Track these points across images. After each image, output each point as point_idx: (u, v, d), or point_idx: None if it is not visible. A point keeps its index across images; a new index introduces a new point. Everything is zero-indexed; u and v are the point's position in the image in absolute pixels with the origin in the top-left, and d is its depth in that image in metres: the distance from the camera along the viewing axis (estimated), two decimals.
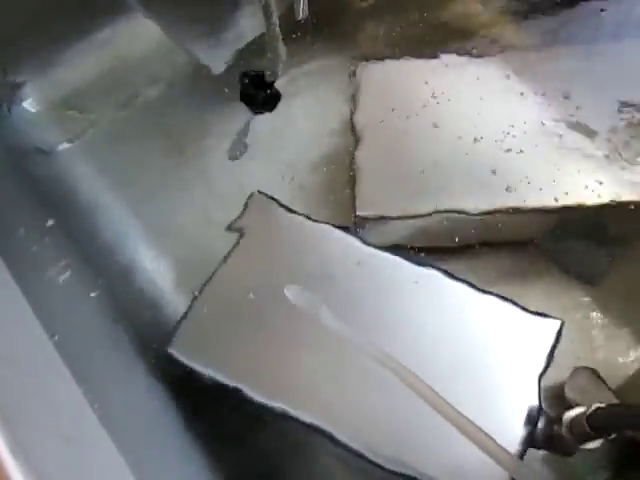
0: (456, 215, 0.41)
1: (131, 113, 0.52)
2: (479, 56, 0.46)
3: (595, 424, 0.32)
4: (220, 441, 0.39)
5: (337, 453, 0.35)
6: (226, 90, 0.51)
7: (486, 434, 0.31)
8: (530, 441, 0.34)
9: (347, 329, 0.34)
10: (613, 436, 0.33)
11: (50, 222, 0.40)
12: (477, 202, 0.41)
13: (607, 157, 0.41)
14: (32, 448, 0.18)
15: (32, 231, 0.38)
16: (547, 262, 0.44)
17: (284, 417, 0.35)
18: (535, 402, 0.35)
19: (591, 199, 0.40)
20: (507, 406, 0.35)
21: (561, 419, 0.35)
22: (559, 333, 0.36)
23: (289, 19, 0.47)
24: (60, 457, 0.19)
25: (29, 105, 0.52)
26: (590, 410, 0.33)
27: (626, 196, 0.40)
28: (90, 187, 0.49)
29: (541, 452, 0.36)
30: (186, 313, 0.38)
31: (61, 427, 0.20)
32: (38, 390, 0.21)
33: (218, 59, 0.50)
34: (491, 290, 0.38)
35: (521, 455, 0.33)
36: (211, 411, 0.38)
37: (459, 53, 0.47)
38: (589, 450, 0.35)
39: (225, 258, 0.40)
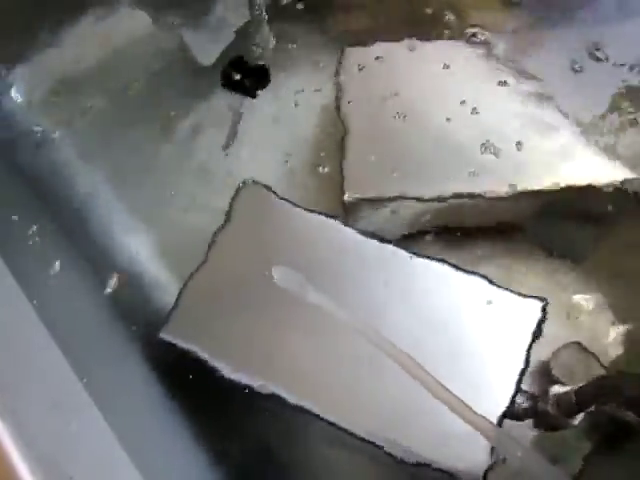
0: (441, 199, 0.41)
1: (120, 101, 0.52)
2: (465, 40, 0.47)
3: (583, 398, 0.33)
4: (214, 424, 0.39)
5: (332, 434, 0.36)
6: (215, 77, 0.51)
7: (469, 407, 0.32)
8: (513, 415, 0.35)
9: (333, 306, 0.35)
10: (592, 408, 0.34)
11: (40, 209, 0.41)
12: (462, 186, 0.41)
13: (589, 140, 0.42)
14: (19, 412, 0.19)
15: (23, 217, 0.38)
16: (531, 244, 0.45)
17: (273, 397, 0.35)
18: (519, 380, 0.35)
19: (574, 181, 0.41)
20: (493, 384, 0.35)
21: (546, 395, 0.36)
22: (543, 312, 0.37)
23: (275, 5, 0.47)
24: (46, 421, 0.20)
25: (18, 93, 0.52)
26: (578, 386, 0.33)
27: (608, 177, 0.41)
28: (79, 174, 0.49)
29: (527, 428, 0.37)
30: (178, 298, 0.38)
31: (47, 394, 0.21)
32: (24, 360, 0.22)
33: (207, 51, 0.50)
34: (477, 271, 0.38)
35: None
36: (204, 394, 0.39)
37: (445, 37, 0.48)
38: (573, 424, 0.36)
39: (212, 243, 0.40)
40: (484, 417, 0.32)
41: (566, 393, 0.35)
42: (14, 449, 0.18)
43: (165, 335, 0.37)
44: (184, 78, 0.53)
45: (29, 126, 0.51)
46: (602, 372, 0.39)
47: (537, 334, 0.36)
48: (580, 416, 0.35)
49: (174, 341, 0.37)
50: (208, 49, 0.50)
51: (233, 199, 0.41)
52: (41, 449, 0.19)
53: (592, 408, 0.34)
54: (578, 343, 0.40)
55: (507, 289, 0.37)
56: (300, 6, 0.54)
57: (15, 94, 0.52)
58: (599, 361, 0.40)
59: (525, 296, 0.37)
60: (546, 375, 0.39)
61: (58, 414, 0.21)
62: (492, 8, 0.52)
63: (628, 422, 0.37)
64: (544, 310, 0.37)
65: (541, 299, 0.37)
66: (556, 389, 0.36)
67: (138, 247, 0.47)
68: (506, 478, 0.37)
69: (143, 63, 0.53)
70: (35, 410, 0.20)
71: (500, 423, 0.34)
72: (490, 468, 0.33)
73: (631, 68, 0.44)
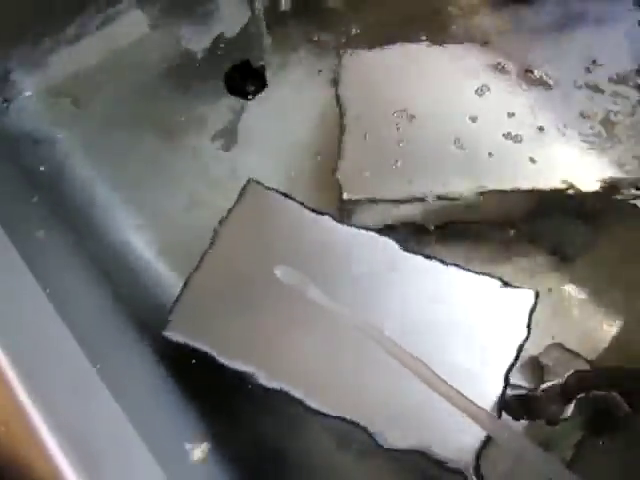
0: (439, 197, 0.42)
1: (123, 102, 0.53)
2: (461, 43, 0.47)
3: (568, 389, 0.34)
4: (217, 417, 0.40)
5: (330, 427, 0.37)
6: (215, 79, 0.52)
7: (467, 398, 0.33)
8: (506, 407, 0.36)
9: (333, 303, 0.35)
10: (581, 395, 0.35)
11: (46, 207, 0.42)
12: (460, 185, 0.42)
13: (584, 141, 0.43)
14: (46, 393, 0.21)
15: (32, 216, 0.39)
16: (527, 241, 0.46)
17: (273, 390, 0.36)
18: (508, 370, 0.36)
19: (566, 180, 0.41)
20: (486, 375, 0.36)
21: (536, 389, 0.37)
22: (534, 303, 0.38)
23: (273, 10, 0.48)
24: (68, 401, 0.22)
25: (23, 94, 0.53)
26: (564, 378, 0.35)
27: (599, 177, 0.42)
28: (82, 173, 0.50)
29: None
30: (179, 296, 0.39)
31: (67, 378, 0.23)
32: (46, 349, 0.24)
33: (208, 54, 0.52)
34: (473, 267, 0.39)
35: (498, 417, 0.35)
36: (208, 388, 0.40)
37: (442, 40, 0.48)
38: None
39: (212, 241, 0.40)
40: (480, 406, 0.33)
41: (553, 386, 0.36)
42: (43, 423, 0.21)
43: (168, 333, 0.38)
44: (185, 80, 0.54)
45: (33, 125, 0.52)
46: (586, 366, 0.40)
47: (528, 327, 0.37)
48: (570, 408, 0.36)
49: (176, 338, 0.37)
50: (209, 52, 0.52)
51: (237, 199, 0.42)
52: (65, 423, 0.22)
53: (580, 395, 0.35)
54: (561, 345, 0.41)
55: (500, 280, 0.39)
56: (298, 11, 0.55)
57: (21, 95, 0.52)
58: (586, 360, 0.41)
59: (517, 287, 0.38)
60: (537, 370, 0.40)
61: (78, 395, 0.24)
62: (491, 9, 0.52)
63: (618, 410, 0.38)
64: (536, 301, 0.38)
65: (531, 290, 0.38)
66: (545, 385, 0.37)
67: (141, 245, 0.48)
68: (500, 465, 0.38)
69: (145, 65, 0.54)
70: (58, 392, 0.23)
71: (499, 415, 0.35)
72: (480, 455, 0.34)
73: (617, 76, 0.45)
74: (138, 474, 0.24)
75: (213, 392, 0.40)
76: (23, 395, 0.22)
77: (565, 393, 0.35)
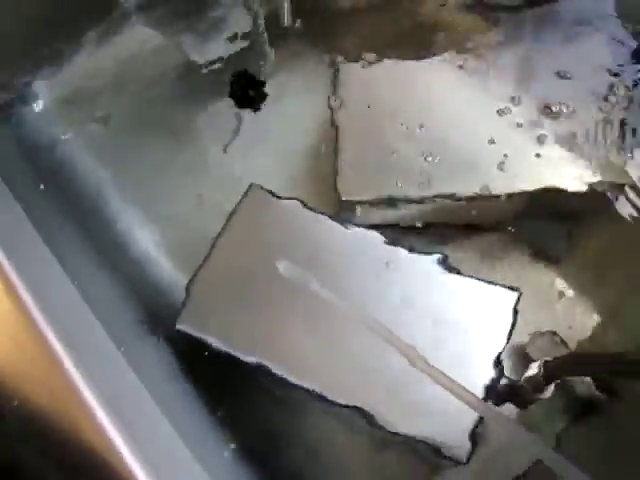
0: (430, 200, 0.45)
1: (130, 109, 0.55)
2: (456, 56, 0.49)
3: (548, 373, 0.37)
4: (225, 403, 0.43)
5: (334, 413, 0.39)
6: (219, 87, 0.54)
7: (458, 383, 0.36)
8: (494, 393, 0.38)
9: (333, 296, 0.38)
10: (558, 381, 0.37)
11: (61, 208, 0.45)
12: (453, 189, 0.44)
13: (570, 146, 0.45)
14: (90, 367, 0.26)
15: (50, 215, 0.42)
16: (515, 241, 0.48)
17: (278, 379, 0.38)
18: (498, 365, 0.38)
19: (553, 183, 0.44)
20: (475, 366, 0.38)
21: (518, 381, 0.39)
22: (517, 302, 0.40)
23: (276, 24, 0.50)
24: (104, 373, 0.27)
25: (36, 103, 0.55)
26: (544, 360, 0.37)
27: (582, 180, 0.44)
28: (91, 177, 0.52)
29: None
30: (188, 292, 0.41)
31: (100, 357, 0.28)
32: (84, 334, 0.28)
33: (211, 62, 0.54)
34: (463, 267, 0.41)
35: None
36: (218, 376, 0.42)
37: (438, 53, 0.49)
38: (546, 400, 0.39)
39: (217, 239, 0.42)
40: (472, 393, 0.36)
41: (534, 376, 0.38)
42: (89, 393, 0.26)
43: (180, 327, 0.40)
44: (191, 89, 0.56)
45: (46, 132, 0.54)
46: None
47: (513, 321, 0.39)
48: (549, 391, 0.38)
49: (188, 330, 0.40)
50: (213, 62, 0.54)
51: (239, 201, 0.43)
52: (105, 391, 0.26)
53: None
54: (552, 332, 0.44)
55: (490, 282, 0.41)
56: (299, 25, 0.56)
57: (34, 103, 0.55)
58: (567, 347, 0.43)
59: (503, 287, 0.40)
60: (523, 359, 0.43)
61: (109, 368, 0.28)
62: (484, 24, 0.54)
63: (595, 398, 0.40)
64: (518, 300, 0.40)
65: (516, 289, 0.40)
66: (528, 372, 0.39)
67: (150, 245, 0.50)
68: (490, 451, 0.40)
69: (153, 74, 0.56)
70: (97, 368, 0.27)
71: (485, 400, 0.37)
72: (475, 440, 0.37)
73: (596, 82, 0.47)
74: (163, 440, 0.28)
75: (223, 380, 0.42)
76: (72, 370, 0.26)
77: (545, 378, 0.37)
